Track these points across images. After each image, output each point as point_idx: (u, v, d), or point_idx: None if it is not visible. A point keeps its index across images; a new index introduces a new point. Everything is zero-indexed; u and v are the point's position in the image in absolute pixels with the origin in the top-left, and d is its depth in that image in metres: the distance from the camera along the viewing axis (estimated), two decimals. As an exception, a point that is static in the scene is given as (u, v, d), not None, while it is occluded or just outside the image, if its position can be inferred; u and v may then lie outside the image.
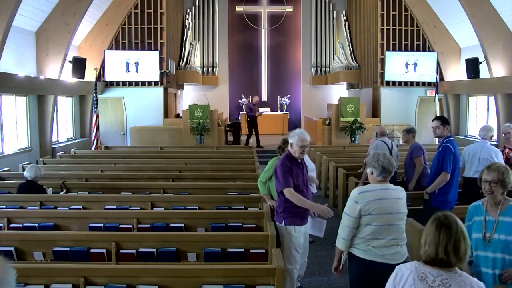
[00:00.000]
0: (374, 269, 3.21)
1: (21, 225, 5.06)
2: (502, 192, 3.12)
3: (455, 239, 2.14)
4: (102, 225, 4.99)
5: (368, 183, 3.47)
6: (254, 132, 14.21)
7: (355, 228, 3.29)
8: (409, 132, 6.60)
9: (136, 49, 14.50)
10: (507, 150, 6.21)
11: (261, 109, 14.89)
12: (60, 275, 3.33)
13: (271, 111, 18.97)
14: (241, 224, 4.97)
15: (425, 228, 2.27)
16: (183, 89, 18.87)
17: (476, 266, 3.20)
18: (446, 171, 4.93)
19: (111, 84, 14.42)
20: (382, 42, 14.90)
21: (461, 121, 14.24)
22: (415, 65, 14.60)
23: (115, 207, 5.75)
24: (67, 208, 5.71)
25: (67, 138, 13.23)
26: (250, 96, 15.77)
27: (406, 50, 14.85)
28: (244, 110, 17.03)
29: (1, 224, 5.04)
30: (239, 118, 18.05)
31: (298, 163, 4.37)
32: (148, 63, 14.27)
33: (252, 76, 20.04)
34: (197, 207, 5.71)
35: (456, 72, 14.31)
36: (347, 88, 19.19)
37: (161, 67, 14.40)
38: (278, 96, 19.51)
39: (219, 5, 19.27)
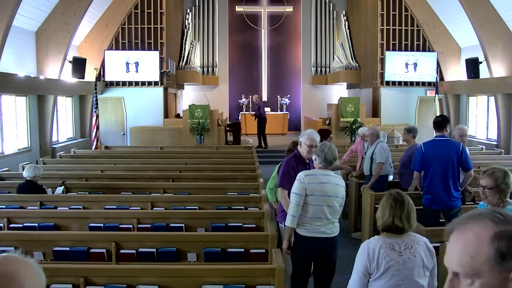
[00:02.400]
0: (316, 243, 3.75)
1: (21, 225, 5.05)
2: (500, 197, 3.05)
3: (407, 209, 2.67)
4: (102, 225, 4.99)
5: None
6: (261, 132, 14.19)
7: (301, 205, 3.72)
8: (410, 131, 6.56)
9: (136, 49, 14.49)
10: None
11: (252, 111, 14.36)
12: (60, 275, 3.33)
13: (271, 111, 18.95)
14: (241, 224, 4.97)
15: (381, 204, 2.76)
16: (183, 89, 18.86)
17: None
18: (412, 169, 5.40)
19: (111, 84, 14.42)
20: (382, 42, 14.90)
21: (461, 121, 14.22)
22: (415, 65, 14.59)
23: (115, 207, 5.74)
24: (67, 208, 5.70)
25: (67, 138, 13.22)
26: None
27: (406, 50, 14.84)
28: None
29: (1, 224, 5.04)
30: (239, 118, 18.05)
31: (304, 163, 4.40)
32: (148, 63, 14.26)
33: (252, 76, 20.03)
34: (197, 207, 5.71)
35: (456, 72, 14.31)
36: (347, 88, 19.19)
37: (161, 67, 14.39)
38: (278, 96, 19.51)
39: (219, 5, 19.26)
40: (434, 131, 5.28)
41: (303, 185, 3.72)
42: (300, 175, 3.81)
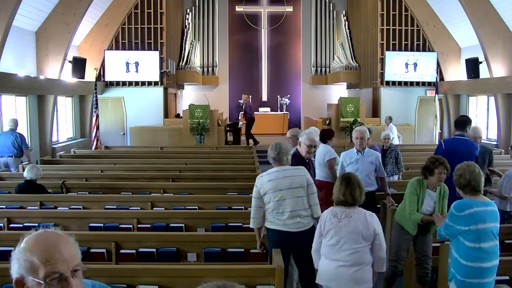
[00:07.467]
0: (281, 236, 3.83)
1: (21, 225, 5.06)
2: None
3: (351, 188, 3.33)
4: (102, 225, 4.99)
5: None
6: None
7: (260, 207, 3.91)
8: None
9: (136, 49, 14.49)
10: None
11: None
12: (60, 275, 3.32)
13: (271, 111, 18.96)
14: (241, 224, 4.97)
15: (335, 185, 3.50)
16: (183, 89, 18.86)
17: (481, 259, 3.21)
18: None
19: (111, 84, 14.41)
20: (382, 42, 14.89)
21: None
22: (415, 65, 14.59)
23: (115, 207, 5.74)
24: (67, 208, 5.71)
25: (67, 138, 13.22)
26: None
27: (406, 50, 14.83)
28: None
29: (1, 224, 5.04)
30: (239, 118, 18.04)
31: (305, 163, 4.45)
32: (148, 63, 14.25)
33: (252, 76, 20.02)
34: (197, 207, 5.71)
35: (456, 72, 14.31)
36: (347, 88, 19.19)
37: (161, 67, 14.39)
38: (278, 96, 19.50)
39: (219, 5, 19.26)
40: (454, 130, 5.32)
41: (257, 188, 3.93)
42: (256, 179, 3.99)
